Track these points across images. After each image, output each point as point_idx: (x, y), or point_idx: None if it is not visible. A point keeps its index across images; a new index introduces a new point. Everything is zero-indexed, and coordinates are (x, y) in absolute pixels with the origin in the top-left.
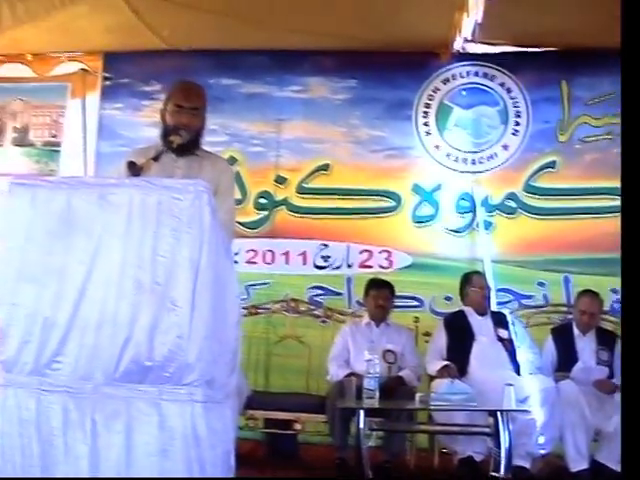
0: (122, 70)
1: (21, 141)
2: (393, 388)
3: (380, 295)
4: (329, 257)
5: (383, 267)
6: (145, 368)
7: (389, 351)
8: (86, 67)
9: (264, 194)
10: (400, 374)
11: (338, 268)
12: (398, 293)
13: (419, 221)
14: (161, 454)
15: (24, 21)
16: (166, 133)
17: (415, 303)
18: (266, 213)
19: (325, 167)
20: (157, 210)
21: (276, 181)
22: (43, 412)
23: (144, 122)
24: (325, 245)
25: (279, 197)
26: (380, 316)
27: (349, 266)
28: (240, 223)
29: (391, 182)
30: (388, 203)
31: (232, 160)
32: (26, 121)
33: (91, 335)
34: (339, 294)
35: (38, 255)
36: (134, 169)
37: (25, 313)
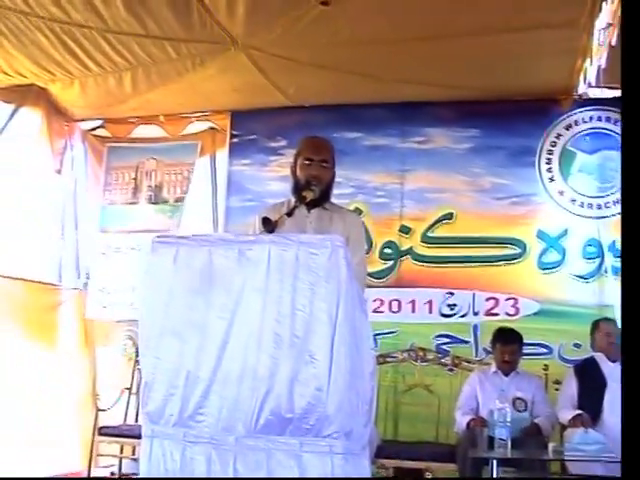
0: (249, 127)
1: (155, 198)
2: (528, 435)
3: (507, 350)
4: (455, 305)
5: (509, 314)
6: (285, 420)
7: (519, 399)
8: (215, 125)
9: (389, 244)
10: (536, 421)
11: (464, 316)
12: (526, 340)
13: (545, 267)
14: None
15: (157, 84)
16: (298, 188)
17: (543, 350)
18: (391, 263)
19: (449, 216)
20: (295, 265)
21: (401, 231)
22: (187, 463)
23: (271, 177)
24: (451, 293)
25: (404, 247)
26: (508, 369)
27: (475, 314)
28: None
29: (516, 229)
30: (513, 250)
31: (357, 211)
32: (160, 179)
33: (232, 388)
34: (466, 342)
35: (181, 310)
36: (269, 225)
37: (169, 367)
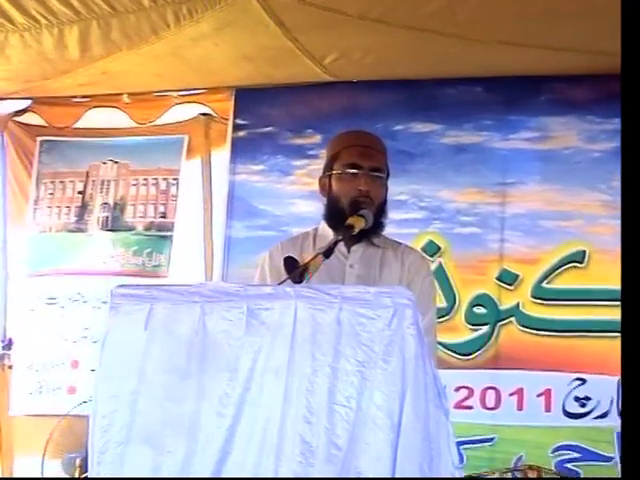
0: (262, 114)
1: (114, 224)
2: None
3: None
4: (589, 399)
5: None
6: None
7: None
8: (210, 111)
9: (482, 299)
10: None
11: (604, 417)
12: None
13: None
14: None
15: (120, 47)
16: (336, 212)
17: None
18: (486, 329)
19: (579, 256)
20: (335, 334)
21: (501, 279)
22: None
23: (296, 192)
24: (582, 380)
25: (505, 304)
26: None
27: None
28: (444, 345)
29: None
30: None
31: (431, 247)
32: (122, 193)
33: None
34: (607, 459)
35: (157, 403)
36: (295, 270)
37: None
